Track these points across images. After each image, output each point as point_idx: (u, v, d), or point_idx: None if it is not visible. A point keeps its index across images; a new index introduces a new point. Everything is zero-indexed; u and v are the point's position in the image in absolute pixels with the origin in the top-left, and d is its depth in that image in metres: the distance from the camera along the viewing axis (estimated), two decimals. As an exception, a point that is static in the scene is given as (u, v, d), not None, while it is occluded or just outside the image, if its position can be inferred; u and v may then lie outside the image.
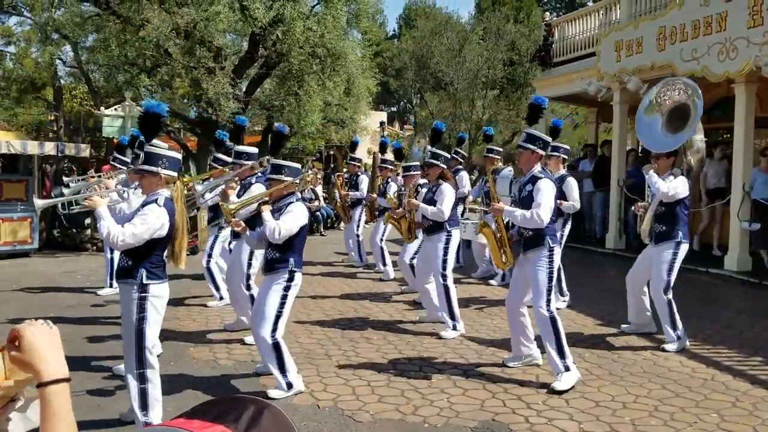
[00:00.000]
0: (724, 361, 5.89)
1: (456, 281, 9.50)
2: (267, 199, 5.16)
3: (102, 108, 14.26)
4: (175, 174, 4.41)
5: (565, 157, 8.29)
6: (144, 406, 4.28)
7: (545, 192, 5.22)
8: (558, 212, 7.42)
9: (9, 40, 22.06)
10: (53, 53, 15.07)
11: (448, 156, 7.31)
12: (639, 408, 4.79)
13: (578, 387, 5.21)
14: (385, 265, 10.06)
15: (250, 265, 6.59)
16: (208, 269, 7.98)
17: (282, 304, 5.01)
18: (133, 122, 13.40)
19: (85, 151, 13.35)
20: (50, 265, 11.40)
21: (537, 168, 5.41)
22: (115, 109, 13.62)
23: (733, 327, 7.11)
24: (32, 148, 12.03)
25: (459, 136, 11.42)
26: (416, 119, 35.37)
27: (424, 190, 7.77)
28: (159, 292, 4.30)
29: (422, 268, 7.22)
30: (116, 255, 8.27)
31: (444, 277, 6.82)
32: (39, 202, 5.02)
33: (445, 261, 6.83)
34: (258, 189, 6.32)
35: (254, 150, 6.89)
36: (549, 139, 5.57)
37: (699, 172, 10.58)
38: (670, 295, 6.29)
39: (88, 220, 13.94)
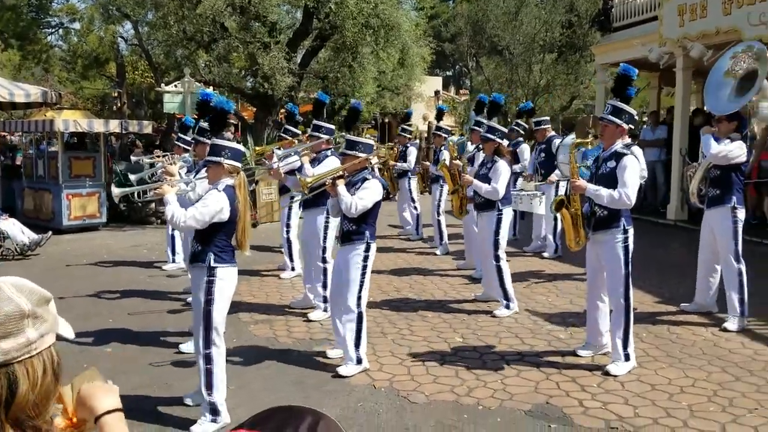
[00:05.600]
0: (788, 343, 5.77)
1: (511, 254, 9.49)
2: (342, 173, 5.36)
3: (162, 84, 14.57)
4: (238, 164, 4.59)
5: (632, 126, 8.04)
6: (209, 385, 4.44)
7: (631, 170, 5.00)
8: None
9: (73, 17, 22.70)
10: (115, 32, 15.42)
11: (505, 130, 7.22)
12: (697, 392, 4.76)
13: (634, 369, 5.19)
14: (441, 239, 10.09)
15: (325, 237, 6.78)
16: (288, 240, 8.41)
17: (363, 275, 5.27)
18: (193, 98, 13.67)
19: (148, 128, 13.71)
20: (117, 238, 11.84)
21: (620, 143, 5.18)
22: (175, 85, 13.90)
23: (799, 305, 6.91)
24: (98, 126, 12.43)
25: (519, 107, 11.21)
26: (472, 84, 34.91)
27: (477, 163, 7.77)
28: (226, 275, 4.45)
29: (483, 246, 7.19)
30: (176, 233, 8.79)
31: (497, 257, 6.79)
32: (116, 191, 5.36)
33: (497, 241, 6.80)
34: (333, 162, 6.59)
35: (332, 126, 7.18)
36: (635, 111, 5.31)
37: (764, 141, 10.21)
38: (742, 265, 6.20)
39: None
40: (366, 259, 5.28)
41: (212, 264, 4.38)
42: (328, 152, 6.99)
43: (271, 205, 13.13)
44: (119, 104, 21.38)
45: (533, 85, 25.05)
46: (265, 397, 4.75)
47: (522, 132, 10.59)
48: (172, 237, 9.04)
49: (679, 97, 12.37)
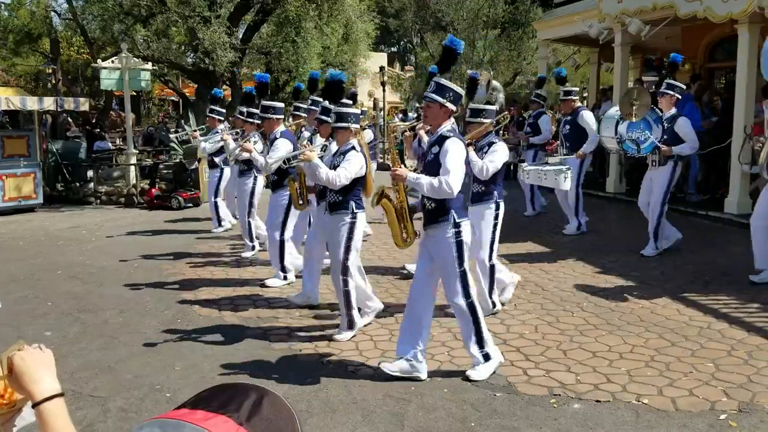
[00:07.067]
0: (721, 309, 5.99)
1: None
2: (470, 141, 5.76)
3: (99, 60, 14.10)
4: (359, 127, 5.52)
5: (680, 96, 7.85)
6: (348, 305, 5.40)
7: (453, 154, 4.36)
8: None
9: (2, -11, 21.72)
10: (48, 5, 14.82)
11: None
12: (635, 358, 4.91)
13: (575, 337, 5.34)
14: None
15: None
16: (248, 222, 8.77)
17: (494, 231, 5.86)
18: (131, 74, 13.30)
19: (84, 105, 13.30)
20: (55, 220, 11.50)
21: (447, 126, 4.56)
22: (112, 61, 13.48)
23: (732, 273, 7.18)
24: (32, 103, 12.00)
25: (539, 77, 11.09)
26: (417, 60, 34.89)
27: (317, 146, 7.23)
28: (362, 218, 5.46)
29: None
30: (219, 200, 10.00)
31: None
32: (270, 162, 6.15)
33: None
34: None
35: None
36: (461, 91, 4.65)
37: None
38: None
39: (90, 173, 14.00)
40: (497, 216, 5.84)
41: (354, 210, 5.34)
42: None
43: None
44: (54, 81, 20.63)
45: (477, 61, 25.19)
46: (213, 376, 4.71)
47: (542, 102, 10.51)
48: (216, 204, 9.98)
49: (618, 72, 12.61)
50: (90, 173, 14.06)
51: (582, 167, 9.19)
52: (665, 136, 7.54)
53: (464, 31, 25.04)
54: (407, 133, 6.94)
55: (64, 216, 11.92)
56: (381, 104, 27.05)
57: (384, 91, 26.00)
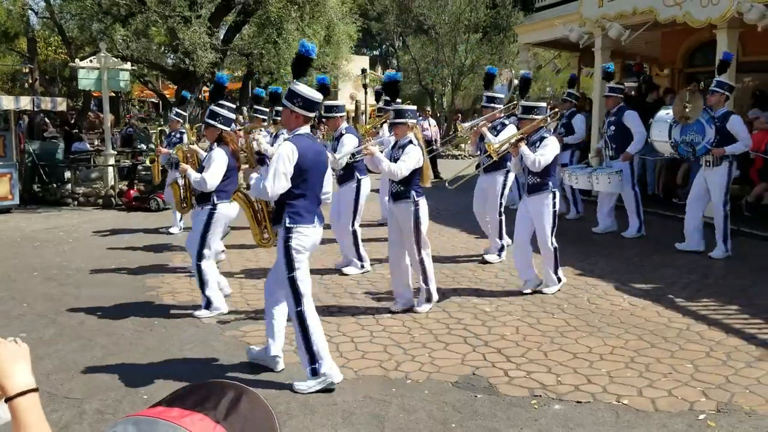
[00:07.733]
0: (700, 311, 6.03)
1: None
2: (522, 136, 6.34)
3: (77, 60, 13.94)
4: (416, 121, 6.04)
5: (729, 94, 7.80)
6: (426, 278, 6.05)
7: (277, 158, 4.32)
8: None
9: (-23, -13, 21.41)
10: (25, 4, 14.64)
11: (230, 115, 6.18)
12: (615, 359, 4.92)
13: (556, 339, 5.34)
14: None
15: (503, 193, 7.75)
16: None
17: (553, 218, 6.34)
18: (110, 74, 13.16)
19: (62, 105, 13.13)
20: (31, 221, 11.34)
21: (299, 130, 4.50)
22: (91, 60, 13.33)
23: (711, 275, 7.24)
24: (8, 103, 11.83)
25: (571, 76, 11.13)
26: (399, 63, 34.92)
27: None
28: (423, 204, 5.92)
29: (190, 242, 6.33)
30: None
31: (198, 265, 6.01)
32: (339, 157, 6.55)
33: (204, 237, 6.02)
34: (512, 129, 7.56)
35: (502, 96, 8.15)
36: (318, 96, 4.60)
37: None
38: None
39: (68, 174, 13.83)
40: (554, 205, 6.32)
41: (416, 198, 5.84)
42: (506, 120, 7.94)
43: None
44: (31, 81, 20.38)
45: (458, 65, 25.29)
46: (191, 378, 4.64)
47: (575, 102, 10.46)
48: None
49: (598, 77, 12.69)
50: (67, 174, 13.88)
51: (632, 166, 9.01)
52: (717, 136, 7.53)
53: (446, 34, 25.16)
54: (470, 131, 7.91)
55: (40, 217, 11.75)
56: (363, 107, 27.05)
57: (366, 93, 26.00)
